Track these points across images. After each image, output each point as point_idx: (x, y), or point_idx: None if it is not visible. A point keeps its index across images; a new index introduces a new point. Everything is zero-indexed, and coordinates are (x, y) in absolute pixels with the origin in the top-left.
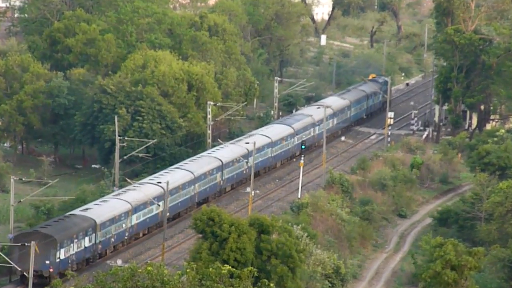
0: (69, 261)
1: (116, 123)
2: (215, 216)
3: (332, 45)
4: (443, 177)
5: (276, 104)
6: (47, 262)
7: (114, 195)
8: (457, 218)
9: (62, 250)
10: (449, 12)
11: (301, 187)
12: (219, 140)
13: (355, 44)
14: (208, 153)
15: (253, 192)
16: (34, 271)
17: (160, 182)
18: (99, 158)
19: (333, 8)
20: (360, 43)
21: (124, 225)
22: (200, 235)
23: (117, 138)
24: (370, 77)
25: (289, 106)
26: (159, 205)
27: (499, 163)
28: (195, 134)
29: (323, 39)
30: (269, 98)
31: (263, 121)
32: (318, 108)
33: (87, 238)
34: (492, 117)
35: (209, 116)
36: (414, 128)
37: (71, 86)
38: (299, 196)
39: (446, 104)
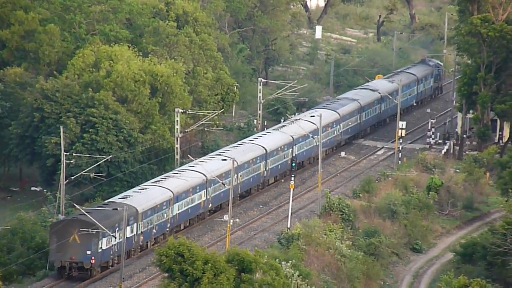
0: (111, 252)
1: (62, 135)
2: (184, 251)
3: (330, 39)
4: (467, 202)
5: (260, 112)
6: (88, 252)
7: (153, 183)
8: (485, 253)
9: (104, 240)
10: None
11: (291, 215)
12: (189, 156)
13: (358, 38)
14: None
15: (231, 220)
16: (74, 262)
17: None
18: (40, 178)
19: None
20: (364, 36)
21: (165, 215)
22: (166, 275)
23: (63, 153)
24: (376, 78)
25: (276, 114)
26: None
27: None
28: (160, 148)
29: (318, 31)
30: (251, 104)
31: (244, 133)
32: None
33: (129, 228)
34: None
35: (177, 127)
36: (432, 141)
37: (5, 89)
38: (288, 226)
39: (471, 111)
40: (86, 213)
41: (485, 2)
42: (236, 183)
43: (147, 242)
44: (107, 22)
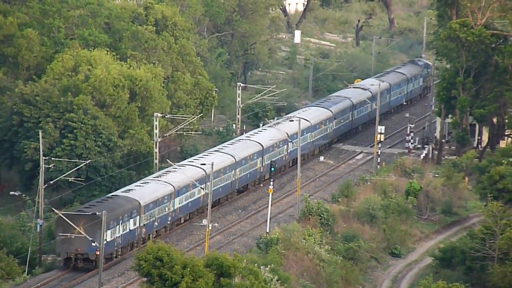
0: (115, 244)
1: (41, 139)
2: (163, 255)
3: (309, 43)
4: (446, 207)
5: (238, 116)
6: (94, 244)
7: (155, 177)
8: (464, 258)
9: (109, 232)
10: (453, 2)
11: (270, 219)
12: (168, 160)
13: (336, 42)
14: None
15: (210, 225)
16: (79, 254)
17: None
18: (19, 183)
19: None
20: (343, 40)
21: (167, 209)
22: (145, 279)
23: (42, 158)
24: (355, 82)
25: (255, 118)
26: (202, 188)
27: None
28: (139, 153)
29: (297, 35)
30: (230, 109)
31: (223, 137)
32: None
33: (131, 221)
34: (507, 132)
35: (156, 131)
36: (410, 146)
37: None
38: (267, 230)
39: (450, 116)
40: (89, 206)
41: (463, 6)
42: (234, 179)
43: (149, 234)
44: (86, 27)
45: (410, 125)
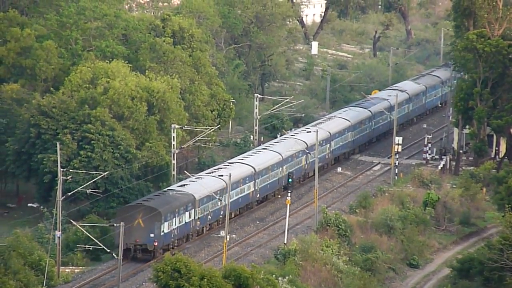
0: (172, 236)
1: (59, 151)
2: (181, 267)
3: (326, 54)
4: (464, 218)
5: (256, 128)
6: (152, 235)
7: (208, 172)
8: (481, 269)
9: (166, 224)
10: (470, 12)
11: (288, 230)
12: (185, 172)
13: (354, 53)
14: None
15: (228, 236)
16: (138, 245)
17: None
18: (37, 195)
19: (327, 9)
20: (360, 51)
21: (219, 203)
22: None
23: (60, 170)
24: (373, 94)
25: (273, 129)
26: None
27: None
28: (157, 164)
29: (315, 46)
30: (247, 120)
31: (241, 149)
32: (393, 92)
33: (187, 213)
34: None
35: (174, 143)
36: (428, 156)
37: (1, 106)
38: (285, 242)
39: (468, 127)
40: (148, 200)
41: (481, 17)
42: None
43: (203, 227)
44: (103, 38)
45: (428, 136)
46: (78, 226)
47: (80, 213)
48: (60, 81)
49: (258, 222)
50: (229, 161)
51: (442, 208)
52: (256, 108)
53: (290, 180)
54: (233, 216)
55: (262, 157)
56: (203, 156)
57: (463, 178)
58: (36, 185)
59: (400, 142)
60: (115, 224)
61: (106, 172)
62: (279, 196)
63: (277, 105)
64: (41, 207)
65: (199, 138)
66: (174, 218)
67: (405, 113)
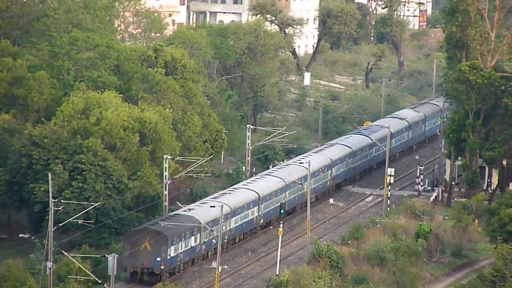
0: (178, 259)
1: (50, 182)
2: None
3: (318, 85)
4: (456, 249)
5: (248, 158)
6: (158, 259)
7: (212, 198)
8: None
9: (172, 248)
10: (463, 44)
11: (280, 262)
12: (177, 202)
13: (346, 84)
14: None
15: (220, 267)
16: (145, 268)
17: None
18: (28, 225)
19: (319, 40)
20: (352, 82)
21: (224, 228)
22: None
23: (51, 200)
24: (365, 125)
25: (265, 160)
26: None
27: None
28: (149, 195)
29: (307, 77)
30: (239, 151)
31: (233, 179)
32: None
33: (193, 238)
34: None
35: (166, 173)
36: (420, 188)
37: None
38: (277, 273)
39: (460, 158)
40: (154, 224)
41: (473, 49)
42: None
43: (208, 251)
44: (95, 69)
45: (420, 167)
46: (70, 257)
47: (71, 244)
48: (52, 111)
49: (250, 253)
50: (233, 187)
51: (434, 240)
52: (248, 139)
53: (282, 211)
54: (237, 241)
55: (266, 183)
56: (195, 187)
57: (455, 210)
58: (27, 215)
59: (393, 173)
60: (107, 256)
61: (98, 203)
62: (271, 228)
63: (269, 136)
64: (33, 237)
65: (191, 168)
66: (180, 242)
67: (405, 140)
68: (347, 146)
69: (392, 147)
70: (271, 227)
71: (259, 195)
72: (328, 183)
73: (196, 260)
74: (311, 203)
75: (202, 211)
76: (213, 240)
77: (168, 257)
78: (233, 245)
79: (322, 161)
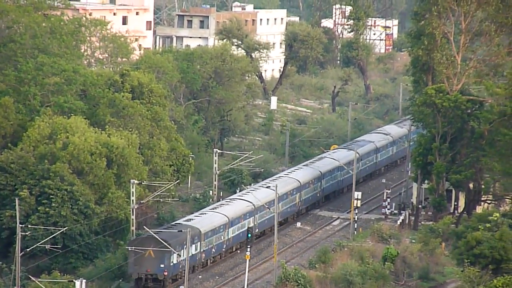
0: (180, 267)
1: (17, 207)
2: None
3: (285, 109)
4: (423, 273)
5: (215, 183)
6: (162, 266)
7: (211, 209)
8: None
9: (175, 255)
10: (429, 68)
11: (247, 286)
12: (145, 227)
13: (313, 108)
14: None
15: None
16: (149, 274)
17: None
18: None
19: (286, 64)
20: (319, 106)
21: (222, 237)
22: None
23: (18, 226)
24: (331, 148)
25: (232, 184)
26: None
27: (493, 254)
28: (115, 219)
29: (274, 102)
30: (207, 175)
31: (199, 204)
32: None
33: (193, 246)
34: (483, 197)
35: (133, 198)
36: (387, 211)
37: None
38: None
39: (426, 182)
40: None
41: (439, 72)
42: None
43: (207, 260)
44: (61, 94)
45: (387, 190)
46: (37, 282)
47: (39, 269)
48: (18, 136)
49: (217, 277)
50: (230, 197)
51: (401, 263)
52: (216, 163)
53: (249, 235)
54: (233, 250)
55: (260, 194)
56: (162, 211)
57: (422, 233)
58: None
59: (359, 197)
60: (74, 281)
61: (65, 228)
62: (238, 252)
63: (237, 160)
64: (0, 263)
65: (158, 193)
66: (182, 250)
67: (389, 155)
68: (335, 159)
69: (379, 160)
70: (238, 251)
71: (254, 206)
72: (318, 194)
73: (197, 268)
74: (276, 229)
75: (202, 220)
76: (213, 249)
77: (171, 264)
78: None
79: (311, 173)
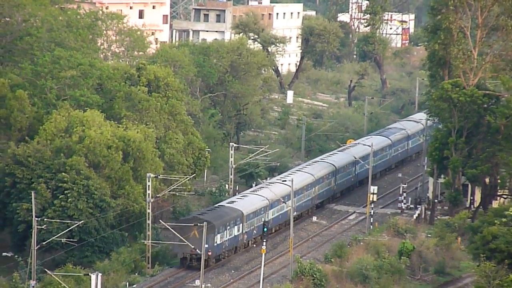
0: (223, 247)
1: (33, 201)
2: None
3: (301, 104)
4: (439, 267)
5: (231, 177)
6: (206, 246)
7: (251, 191)
8: None
9: (219, 236)
10: (445, 62)
11: (263, 280)
12: (160, 220)
13: (329, 102)
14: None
15: (203, 285)
16: (194, 254)
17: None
18: (11, 244)
19: (302, 58)
20: (335, 101)
21: (263, 219)
22: None
23: (34, 219)
24: (348, 143)
25: (248, 178)
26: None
27: (509, 249)
28: (132, 213)
29: (290, 96)
30: (223, 169)
31: (216, 198)
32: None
33: (236, 227)
34: (499, 192)
35: (149, 192)
36: (403, 206)
37: None
38: None
39: (443, 176)
40: (202, 214)
41: (455, 67)
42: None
43: (249, 241)
44: (78, 87)
45: (403, 185)
46: (53, 276)
47: (55, 262)
48: (35, 130)
49: (233, 271)
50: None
51: (417, 258)
52: (232, 157)
53: (265, 229)
54: (273, 231)
55: (298, 178)
56: (178, 205)
57: (438, 228)
58: (10, 234)
59: (375, 191)
60: (90, 274)
61: (81, 222)
62: (255, 245)
63: (253, 154)
64: (16, 256)
65: (174, 187)
66: (225, 231)
67: (420, 143)
68: (367, 144)
69: (409, 148)
70: (254, 245)
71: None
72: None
73: (239, 249)
74: (292, 224)
75: (244, 203)
76: (254, 231)
77: (215, 244)
78: (216, 263)
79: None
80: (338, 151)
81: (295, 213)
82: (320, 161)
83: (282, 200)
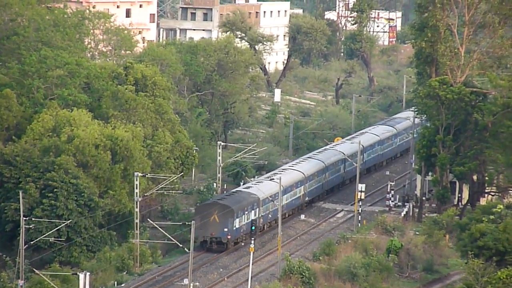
0: (242, 231)
1: (21, 200)
2: None
3: (289, 102)
4: (427, 265)
5: (219, 175)
6: (225, 229)
7: (266, 177)
8: None
9: (237, 220)
10: (432, 60)
11: (251, 278)
12: (149, 219)
13: (316, 100)
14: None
15: (191, 284)
16: (213, 237)
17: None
18: None
19: (289, 56)
20: (323, 99)
21: (277, 204)
22: None
23: (22, 219)
24: (335, 141)
25: (236, 177)
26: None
27: (497, 246)
28: (120, 213)
29: (277, 94)
30: (210, 168)
31: (204, 196)
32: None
33: (252, 212)
34: (487, 189)
35: (137, 191)
36: (391, 203)
37: None
38: None
39: (430, 174)
40: (221, 198)
41: (443, 64)
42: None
43: (264, 225)
44: (65, 87)
45: (391, 183)
46: (41, 275)
47: (43, 261)
48: (22, 129)
49: (221, 269)
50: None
51: (405, 255)
52: (219, 156)
53: (253, 228)
54: (286, 216)
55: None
56: (166, 204)
57: (426, 225)
58: None
59: (363, 189)
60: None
61: (69, 221)
62: (243, 244)
63: (240, 153)
64: (4, 255)
65: (162, 186)
66: (243, 216)
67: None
68: (375, 134)
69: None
70: (242, 244)
71: (304, 175)
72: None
73: (254, 232)
74: (280, 222)
75: (260, 188)
76: (269, 215)
77: (234, 228)
78: (204, 262)
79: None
80: (344, 141)
81: (307, 198)
82: (330, 149)
83: (295, 186)
